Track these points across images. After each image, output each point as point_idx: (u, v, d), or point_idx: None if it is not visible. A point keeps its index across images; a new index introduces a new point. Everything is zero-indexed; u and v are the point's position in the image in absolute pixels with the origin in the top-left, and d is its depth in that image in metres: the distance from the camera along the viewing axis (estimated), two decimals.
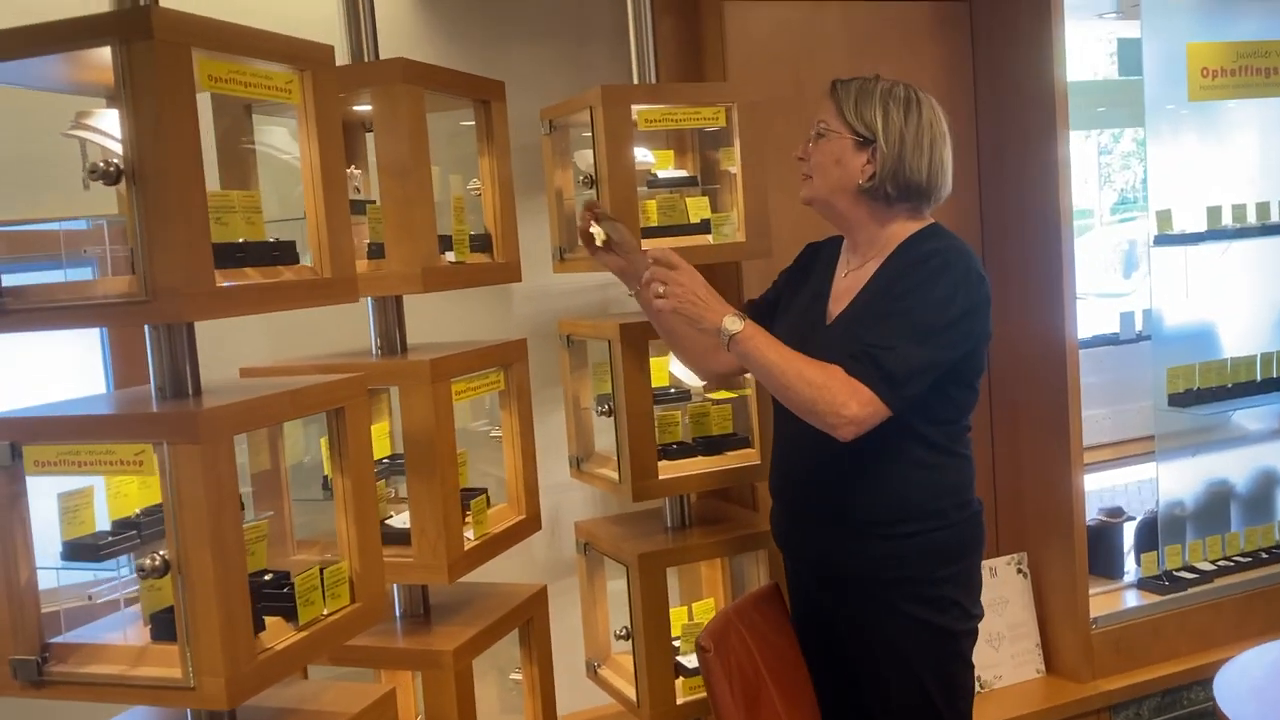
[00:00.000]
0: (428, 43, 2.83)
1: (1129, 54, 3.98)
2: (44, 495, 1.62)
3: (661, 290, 1.93)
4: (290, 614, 1.63)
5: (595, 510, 3.06)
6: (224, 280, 1.54)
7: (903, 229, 2.07)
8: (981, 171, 3.18)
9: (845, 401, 1.87)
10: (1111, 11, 3.71)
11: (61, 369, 2.47)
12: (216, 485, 1.44)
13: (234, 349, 2.58)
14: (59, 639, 1.61)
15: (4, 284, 1.55)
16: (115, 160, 1.41)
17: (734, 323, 1.91)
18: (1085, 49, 4.65)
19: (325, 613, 1.69)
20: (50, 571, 1.62)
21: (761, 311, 2.30)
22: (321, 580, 1.68)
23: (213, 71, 1.50)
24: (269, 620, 1.62)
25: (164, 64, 1.39)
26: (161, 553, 1.48)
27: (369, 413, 1.77)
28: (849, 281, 2.12)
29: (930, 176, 2.04)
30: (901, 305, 1.94)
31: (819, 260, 2.23)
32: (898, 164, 2.01)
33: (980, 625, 2.13)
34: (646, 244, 2.47)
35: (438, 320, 2.85)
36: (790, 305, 2.23)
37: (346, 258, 1.72)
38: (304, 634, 1.63)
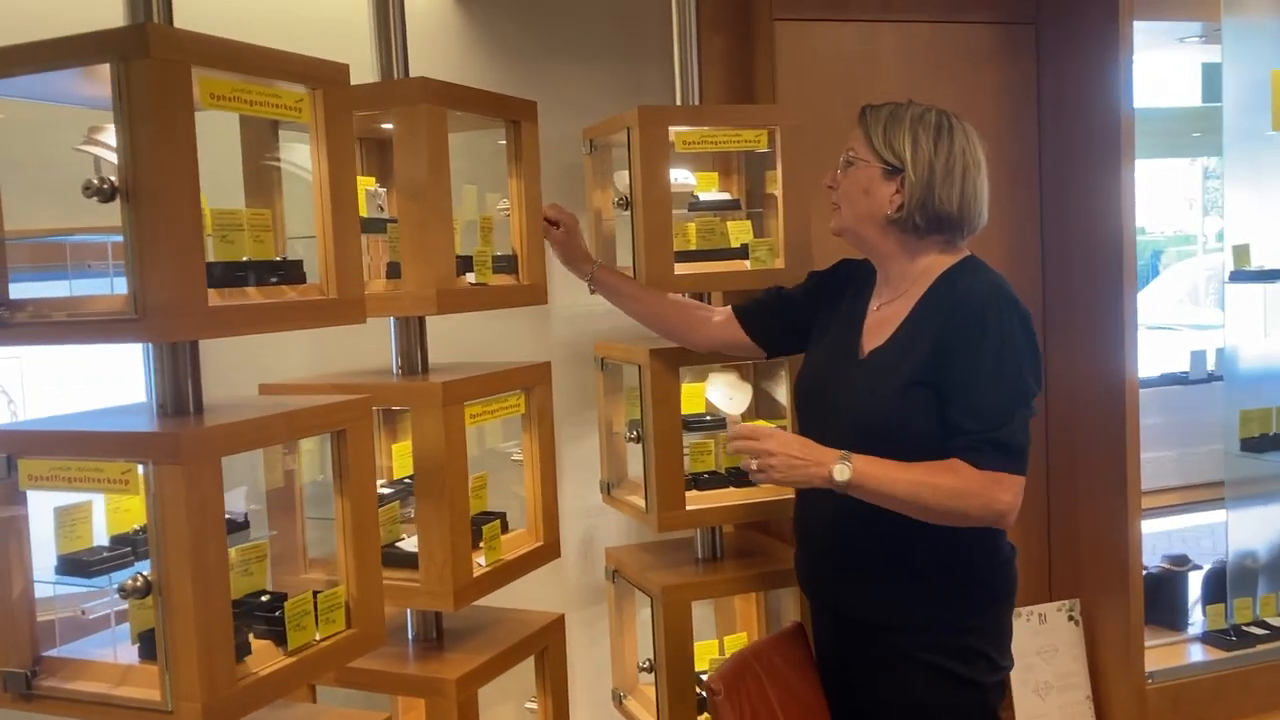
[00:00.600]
0: (474, 61, 2.82)
1: (1213, 80, 3.82)
2: (51, 509, 1.63)
3: (756, 465, 1.86)
4: (281, 638, 1.61)
5: (630, 536, 3.00)
6: (223, 299, 1.53)
7: (936, 262, 1.99)
8: (1043, 200, 3.07)
9: (995, 495, 1.82)
10: (1195, 36, 3.56)
11: (117, 376, 2.51)
12: (200, 508, 1.42)
13: (278, 364, 2.60)
14: (52, 652, 1.61)
15: (13, 296, 1.57)
16: (110, 177, 1.41)
17: (844, 470, 1.83)
18: (1168, 75, 4.48)
19: (318, 638, 1.66)
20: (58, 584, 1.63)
21: (788, 305, 2.27)
22: (315, 605, 1.66)
23: (215, 90, 1.49)
24: (259, 643, 1.60)
25: (160, 82, 1.38)
26: (144, 573, 1.47)
27: (371, 435, 1.75)
28: (882, 315, 2.04)
29: (962, 207, 1.95)
30: (983, 370, 1.86)
31: (852, 285, 2.15)
32: (926, 194, 1.93)
33: (1029, 674, 2.04)
34: (681, 269, 2.42)
35: (477, 339, 2.83)
36: (823, 336, 2.16)
37: (354, 278, 1.70)
38: (293, 659, 1.60)
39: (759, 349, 2.32)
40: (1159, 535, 3.40)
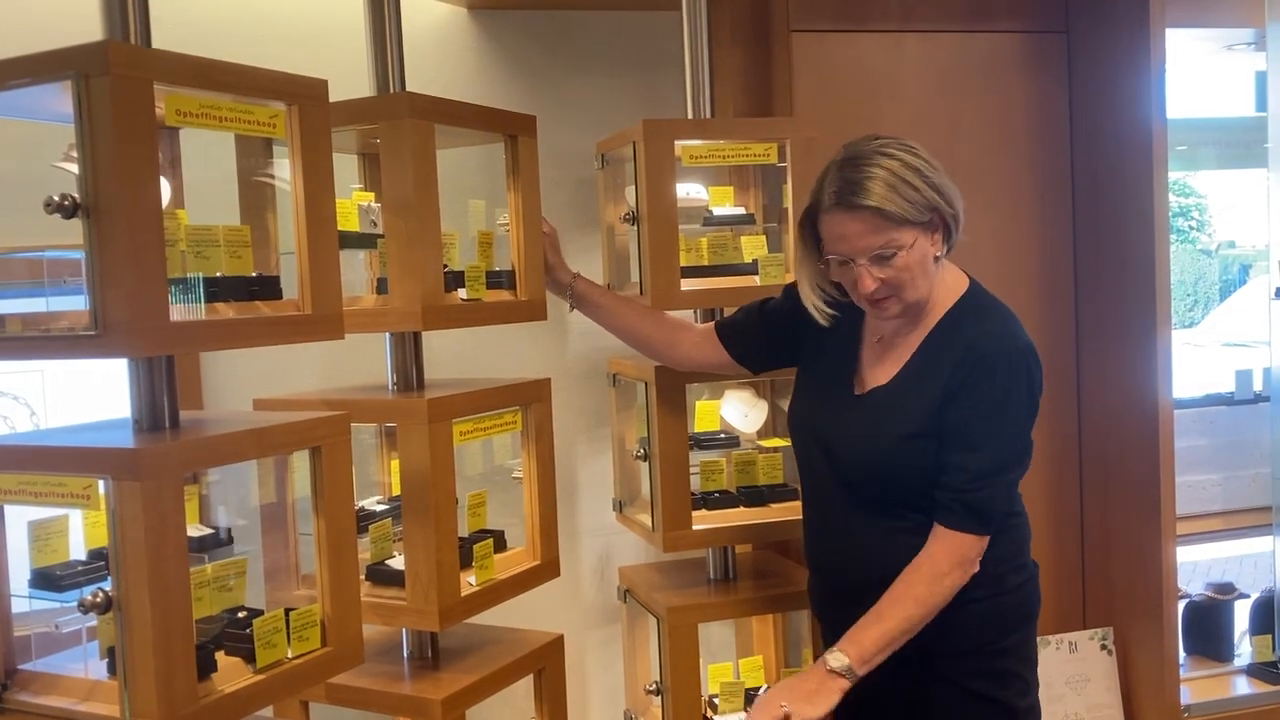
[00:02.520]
0: (491, 76, 2.82)
1: (1265, 89, 3.68)
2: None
3: None
4: (251, 656, 1.60)
5: (647, 555, 2.96)
6: (193, 315, 1.53)
7: (945, 293, 1.91)
8: (1076, 213, 2.97)
9: (960, 557, 1.81)
10: (1243, 43, 3.43)
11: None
12: (159, 524, 1.42)
13: (294, 379, 2.63)
14: (26, 666, 1.62)
15: None
16: (72, 194, 1.41)
17: (838, 657, 1.80)
18: (1228, 83, 4.34)
19: (289, 656, 1.65)
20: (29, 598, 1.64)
21: (772, 320, 2.17)
22: (287, 623, 1.65)
23: (180, 106, 1.50)
24: (228, 660, 1.59)
25: (120, 99, 1.38)
26: (105, 588, 1.47)
27: (349, 452, 1.73)
28: (883, 346, 1.96)
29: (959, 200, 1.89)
30: (979, 426, 1.81)
31: (838, 309, 2.04)
32: (955, 210, 1.86)
33: (1058, 704, 1.97)
34: (690, 284, 2.38)
35: (493, 356, 2.82)
36: (814, 365, 2.08)
37: (331, 294, 1.69)
38: (261, 677, 1.59)
39: (741, 368, 2.24)
40: (1205, 562, 3.27)
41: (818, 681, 1.80)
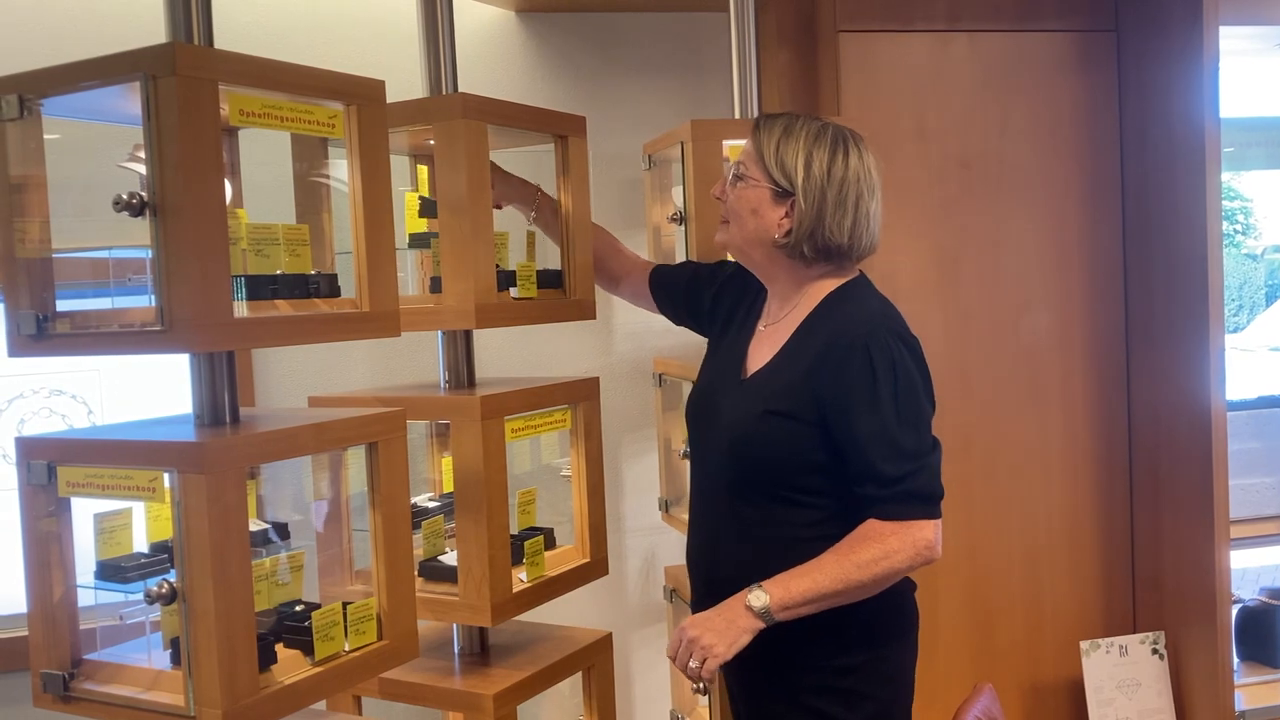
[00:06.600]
0: (537, 77, 2.84)
1: None
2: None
3: (699, 664, 1.74)
4: (309, 648, 1.63)
5: None
6: (254, 312, 1.56)
7: (823, 285, 1.91)
8: (1125, 215, 2.94)
9: (917, 539, 1.75)
10: None
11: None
12: (222, 517, 1.44)
13: (350, 377, 2.67)
14: (92, 656, 1.65)
15: (62, 309, 1.63)
16: (140, 193, 1.44)
17: (759, 596, 1.73)
18: (1271, 82, 4.28)
19: (346, 649, 1.67)
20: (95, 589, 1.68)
21: (696, 283, 2.19)
22: (344, 616, 1.67)
23: (244, 106, 1.52)
24: (287, 653, 1.62)
25: (186, 99, 1.41)
26: (170, 580, 1.49)
27: (404, 448, 1.75)
28: (767, 334, 1.97)
29: (853, 236, 1.86)
30: (886, 417, 1.75)
31: (748, 296, 2.06)
32: (816, 224, 1.84)
33: (1108, 709, 1.89)
34: None
35: (539, 355, 2.84)
36: (714, 353, 2.10)
37: (388, 292, 1.71)
38: (319, 669, 1.62)
39: (662, 314, 2.30)
40: (1254, 567, 3.23)
41: (731, 617, 1.74)
